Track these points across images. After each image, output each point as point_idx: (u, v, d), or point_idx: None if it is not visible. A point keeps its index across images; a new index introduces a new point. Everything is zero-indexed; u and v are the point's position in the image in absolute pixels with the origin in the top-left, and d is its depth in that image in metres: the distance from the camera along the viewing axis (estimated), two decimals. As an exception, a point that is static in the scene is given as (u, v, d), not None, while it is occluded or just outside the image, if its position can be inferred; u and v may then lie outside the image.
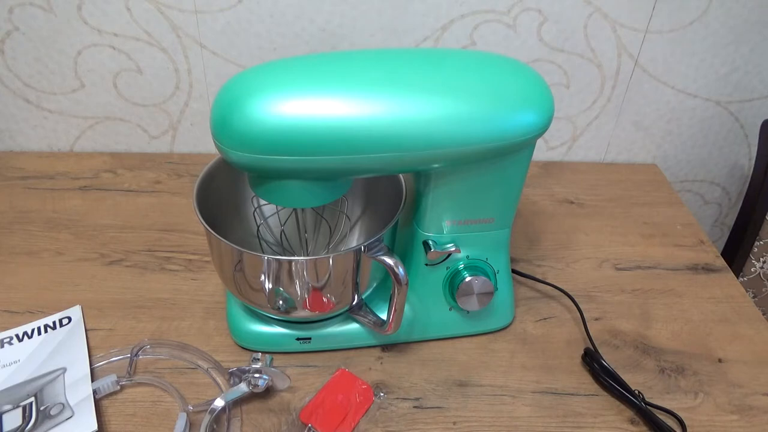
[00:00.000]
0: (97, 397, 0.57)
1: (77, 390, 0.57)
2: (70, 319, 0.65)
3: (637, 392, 0.60)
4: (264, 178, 0.51)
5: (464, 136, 0.49)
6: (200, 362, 0.62)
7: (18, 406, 0.55)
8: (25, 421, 0.54)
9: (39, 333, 0.63)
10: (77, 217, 0.81)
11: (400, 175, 0.62)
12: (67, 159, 0.92)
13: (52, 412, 0.54)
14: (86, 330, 0.65)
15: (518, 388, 0.62)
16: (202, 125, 0.93)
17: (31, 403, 0.55)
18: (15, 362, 0.60)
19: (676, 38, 0.86)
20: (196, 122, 0.92)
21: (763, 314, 0.71)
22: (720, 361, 0.66)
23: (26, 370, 0.59)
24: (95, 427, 0.53)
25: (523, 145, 0.53)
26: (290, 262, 0.54)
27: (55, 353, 0.61)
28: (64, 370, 0.59)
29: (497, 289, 0.63)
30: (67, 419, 0.54)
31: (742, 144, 0.97)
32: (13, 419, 0.54)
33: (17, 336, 0.63)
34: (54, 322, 0.65)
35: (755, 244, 0.93)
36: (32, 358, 0.60)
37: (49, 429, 0.53)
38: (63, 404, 0.55)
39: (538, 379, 0.63)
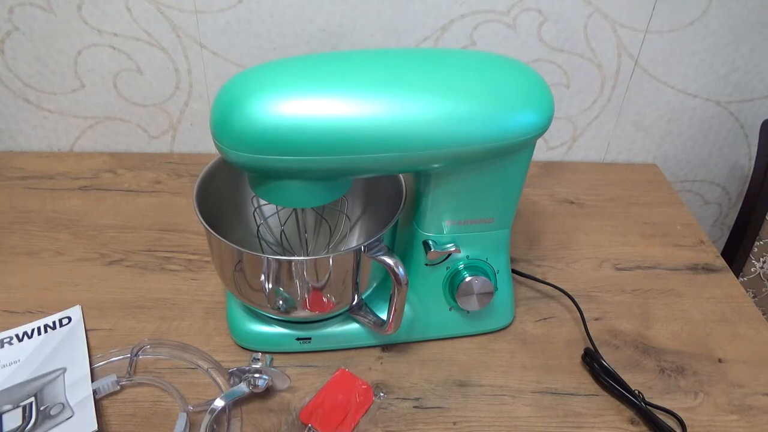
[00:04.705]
0: (97, 397, 0.57)
1: (77, 390, 0.57)
2: (70, 319, 0.65)
3: (637, 392, 0.60)
4: (264, 178, 0.51)
5: (464, 136, 0.49)
6: (200, 362, 0.62)
7: (18, 406, 0.55)
8: (25, 421, 0.54)
9: (39, 333, 0.63)
10: (77, 217, 0.81)
11: (400, 175, 0.62)
12: (67, 159, 0.92)
13: (52, 412, 0.54)
14: (86, 330, 0.65)
15: (518, 388, 0.62)
16: (202, 125, 0.93)
17: (31, 403, 0.55)
18: (15, 362, 0.60)
19: (676, 38, 0.86)
20: (196, 122, 0.92)
21: (763, 314, 0.71)
22: (720, 361, 0.66)
23: (26, 370, 0.59)
24: (95, 427, 0.53)
25: (523, 145, 0.53)
26: (290, 262, 0.54)
27: (55, 353, 0.61)
28: (64, 370, 0.59)
29: (497, 289, 0.63)
30: (67, 419, 0.54)
31: (742, 144, 0.97)
32: (13, 419, 0.54)
33: (17, 336, 0.63)
34: (54, 322, 0.64)
35: (755, 244, 0.93)
36: (32, 358, 0.60)
37: (50, 429, 0.53)
38: (63, 404, 0.55)
39: (538, 379, 0.63)
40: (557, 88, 0.90)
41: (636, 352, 0.67)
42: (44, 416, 0.54)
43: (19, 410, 0.55)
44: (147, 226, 0.80)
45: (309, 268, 0.54)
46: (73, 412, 0.55)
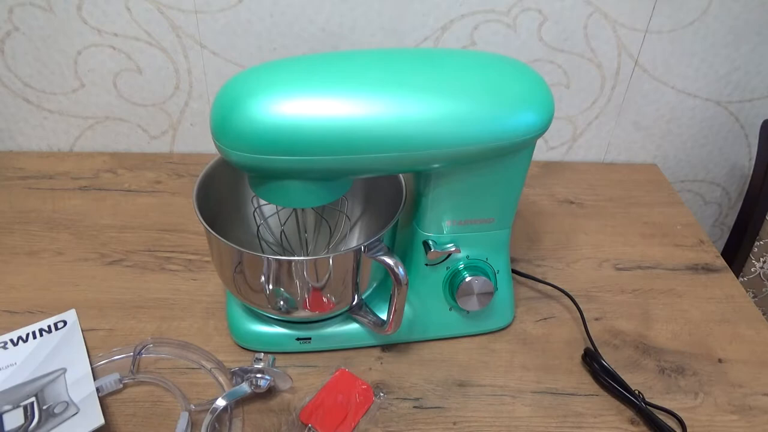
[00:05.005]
0: (99, 395, 0.57)
1: (80, 388, 0.57)
2: (65, 322, 0.65)
3: (637, 392, 0.60)
4: (264, 178, 0.51)
5: (464, 136, 0.49)
6: (203, 362, 0.62)
7: (18, 406, 0.55)
8: (27, 420, 0.54)
9: (35, 337, 0.63)
10: (77, 217, 0.81)
11: (400, 175, 0.62)
12: (67, 159, 0.92)
13: (56, 410, 0.54)
14: (83, 331, 0.64)
15: (518, 388, 0.62)
16: (202, 125, 0.93)
17: (32, 403, 0.55)
18: (11, 365, 0.59)
19: (676, 38, 0.86)
20: (196, 122, 0.92)
21: (763, 314, 0.71)
22: (720, 361, 0.66)
23: (24, 372, 0.59)
24: (102, 421, 0.53)
25: (523, 145, 0.53)
26: (290, 262, 0.54)
27: (53, 355, 0.61)
28: (64, 370, 0.59)
29: (497, 289, 0.63)
30: (73, 416, 0.54)
31: (742, 144, 0.97)
32: (14, 419, 0.54)
33: (12, 340, 0.62)
34: (49, 326, 0.64)
35: (755, 244, 0.93)
36: (29, 360, 0.60)
37: (55, 426, 0.53)
38: (67, 402, 0.55)
39: (538, 379, 0.63)
40: (557, 88, 0.90)
41: (636, 352, 0.67)
42: (48, 414, 0.54)
43: (20, 410, 0.54)
44: (147, 226, 0.80)
45: (309, 268, 0.54)
46: (78, 409, 0.54)
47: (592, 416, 0.60)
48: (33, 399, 0.56)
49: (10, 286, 0.70)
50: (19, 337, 0.63)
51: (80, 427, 0.53)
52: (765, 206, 0.90)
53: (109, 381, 0.58)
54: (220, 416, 0.56)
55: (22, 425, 0.53)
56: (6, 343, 0.62)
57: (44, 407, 0.55)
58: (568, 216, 0.86)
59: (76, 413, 0.54)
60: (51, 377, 0.58)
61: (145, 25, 0.82)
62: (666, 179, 0.96)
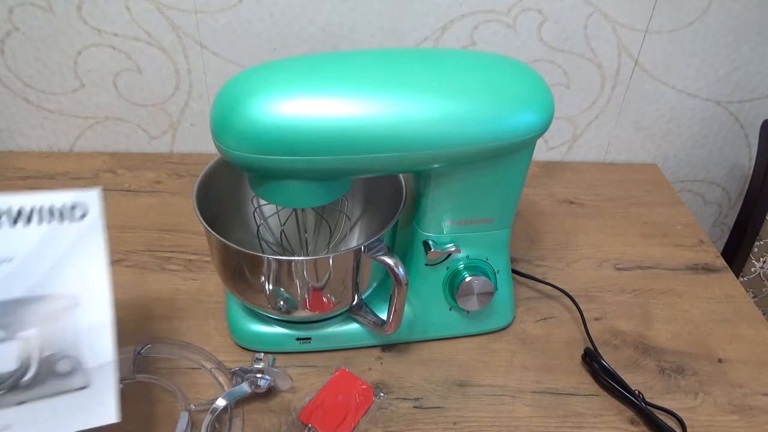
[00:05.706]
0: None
1: (96, 346, 0.39)
2: (85, 213, 0.42)
3: (637, 392, 0.60)
4: (264, 178, 0.51)
5: (464, 136, 0.49)
6: (203, 362, 0.62)
7: (14, 338, 0.37)
8: (22, 367, 0.37)
9: (41, 219, 0.40)
10: (77, 217, 0.81)
11: (400, 175, 0.62)
12: (67, 159, 0.92)
13: (59, 368, 0.38)
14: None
15: (518, 388, 0.62)
16: (202, 125, 0.93)
17: (30, 339, 0.38)
18: (6, 261, 0.39)
19: (676, 38, 0.86)
20: (196, 122, 0.92)
21: (763, 314, 0.71)
22: (720, 361, 0.66)
23: (23, 281, 0.39)
24: (114, 417, 0.38)
25: (523, 145, 0.53)
26: (290, 262, 0.54)
27: (65, 264, 0.40)
28: (78, 302, 0.40)
29: (497, 289, 0.63)
30: (78, 389, 0.38)
31: (742, 144, 0.97)
32: (5, 356, 0.36)
33: (11, 214, 0.39)
34: (63, 208, 0.41)
35: (755, 244, 0.93)
36: (32, 260, 0.39)
37: (53, 396, 0.37)
38: (76, 361, 0.38)
39: (538, 379, 0.63)
40: (557, 88, 0.90)
41: (636, 352, 0.67)
42: (48, 369, 0.37)
43: (16, 345, 0.36)
44: (147, 226, 0.80)
45: (309, 268, 0.54)
46: (87, 382, 0.38)
47: (592, 416, 0.60)
48: (33, 332, 0.38)
49: (10, 286, 0.70)
50: (21, 211, 0.40)
51: (83, 413, 0.36)
52: (765, 206, 0.90)
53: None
54: (220, 416, 0.56)
55: (14, 372, 0.37)
56: (2, 214, 0.40)
57: (45, 355, 0.37)
58: (568, 216, 0.86)
59: (84, 388, 0.38)
60: (59, 304, 0.39)
61: (145, 25, 0.82)
62: (666, 179, 0.96)
